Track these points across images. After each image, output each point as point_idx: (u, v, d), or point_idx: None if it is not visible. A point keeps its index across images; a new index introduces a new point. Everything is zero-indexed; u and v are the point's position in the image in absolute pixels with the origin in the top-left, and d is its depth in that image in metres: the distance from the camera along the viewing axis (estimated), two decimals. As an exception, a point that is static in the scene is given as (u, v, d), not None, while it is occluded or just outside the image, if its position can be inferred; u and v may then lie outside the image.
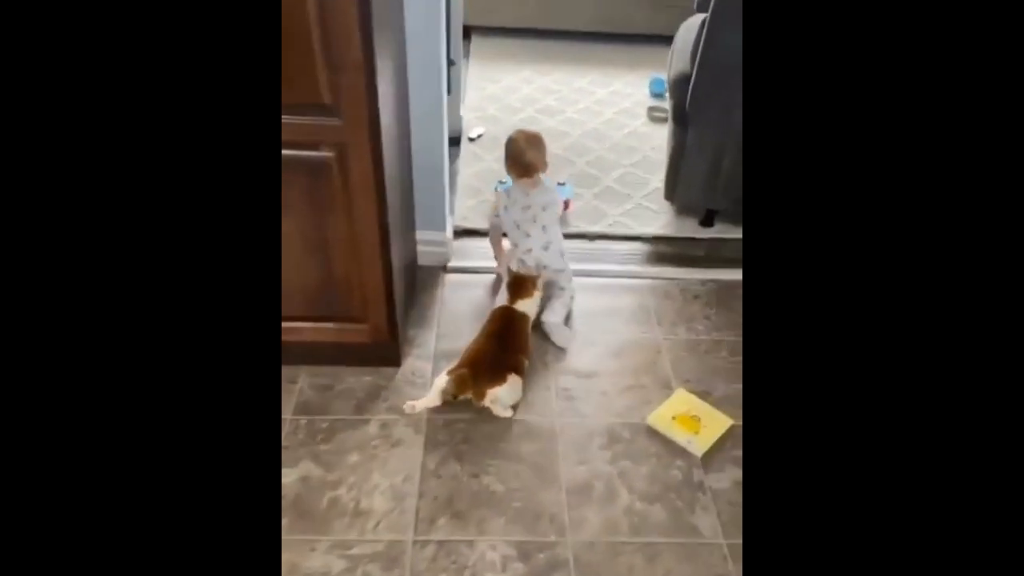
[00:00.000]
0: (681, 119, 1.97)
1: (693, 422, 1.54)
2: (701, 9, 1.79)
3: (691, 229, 2.23)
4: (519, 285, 1.71)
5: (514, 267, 1.79)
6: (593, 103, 3.08)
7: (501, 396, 1.51)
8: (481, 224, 2.19)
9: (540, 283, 1.74)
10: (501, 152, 2.59)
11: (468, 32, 3.71)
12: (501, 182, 2.17)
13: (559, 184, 2.27)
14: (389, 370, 1.64)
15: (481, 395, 1.51)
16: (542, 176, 1.83)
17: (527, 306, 1.69)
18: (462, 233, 2.16)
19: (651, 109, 3.00)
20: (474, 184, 2.42)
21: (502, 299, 1.71)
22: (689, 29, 2.21)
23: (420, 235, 1.95)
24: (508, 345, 1.60)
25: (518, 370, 1.56)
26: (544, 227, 1.81)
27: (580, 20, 3.70)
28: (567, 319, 1.83)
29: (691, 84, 1.88)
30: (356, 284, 1.47)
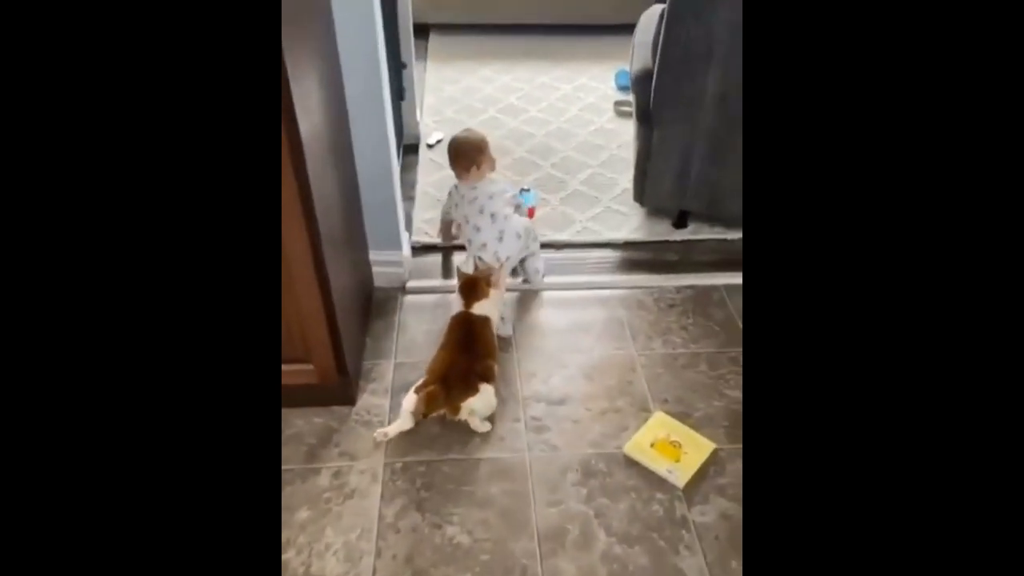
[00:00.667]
0: (646, 118, 1.85)
1: (673, 449, 1.43)
2: (659, 0, 1.67)
3: (663, 231, 2.12)
4: (471, 288, 1.60)
5: (468, 267, 1.68)
6: (557, 100, 2.96)
7: (476, 407, 1.43)
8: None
9: (499, 278, 1.64)
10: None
11: (425, 30, 3.56)
12: (524, 190, 2.14)
13: (523, 190, 2.15)
14: (342, 409, 1.51)
15: (455, 409, 1.42)
16: (490, 174, 1.84)
17: (485, 308, 1.59)
18: (421, 250, 2.03)
19: (617, 104, 2.88)
20: (434, 194, 2.28)
21: (457, 304, 1.61)
22: (650, 18, 2.09)
23: (374, 255, 1.82)
24: (473, 352, 1.50)
25: (488, 376, 1.48)
26: (493, 215, 1.76)
27: (541, 13, 3.56)
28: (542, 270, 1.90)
29: (654, 83, 1.76)
30: (294, 320, 1.33)
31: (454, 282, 1.87)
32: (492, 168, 1.85)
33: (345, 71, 1.49)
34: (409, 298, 1.85)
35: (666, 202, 2.07)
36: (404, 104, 2.44)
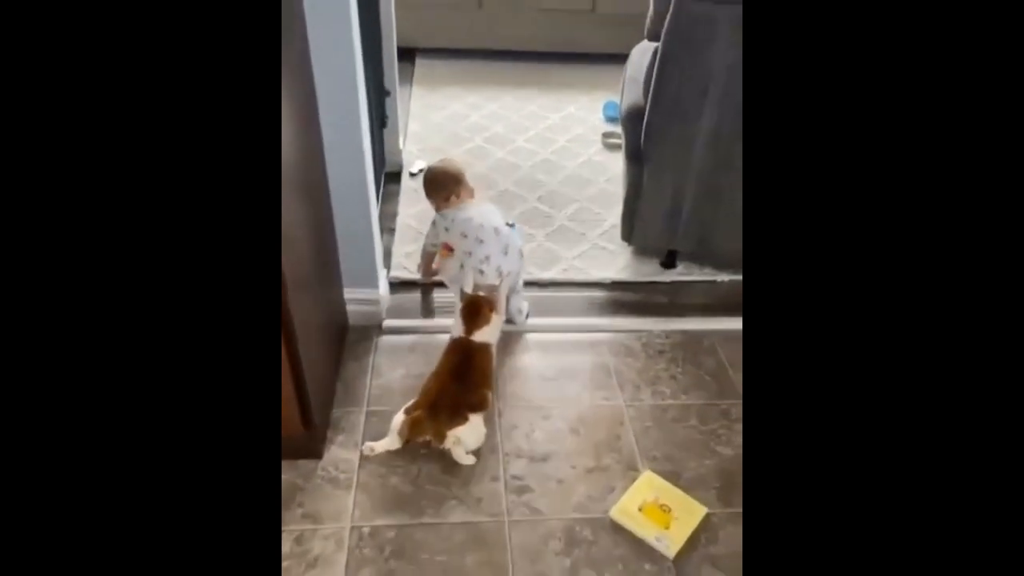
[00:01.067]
0: (636, 157, 1.79)
1: (663, 514, 1.33)
2: (652, 37, 1.61)
3: (652, 271, 2.05)
4: (474, 312, 1.52)
5: (468, 286, 1.58)
6: (545, 130, 2.90)
7: (463, 438, 1.39)
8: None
9: (500, 303, 1.57)
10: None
11: (411, 54, 3.50)
12: (509, 224, 1.82)
13: (508, 225, 2.06)
14: (308, 464, 1.40)
15: (441, 437, 1.38)
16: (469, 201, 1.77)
17: (487, 335, 1.52)
18: (400, 286, 1.93)
19: (605, 135, 2.83)
20: (415, 226, 2.19)
21: (458, 328, 1.53)
22: (642, 53, 2.04)
23: (348, 293, 1.72)
24: (468, 381, 1.45)
25: (481, 406, 1.43)
26: (496, 229, 1.66)
27: (531, 40, 3.52)
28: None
29: (645, 121, 1.69)
30: (257, 372, 1.22)
31: (434, 321, 1.79)
32: (471, 196, 1.78)
33: (321, 99, 1.40)
34: (385, 339, 1.75)
35: (655, 241, 2.00)
36: (387, 131, 2.35)
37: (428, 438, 1.39)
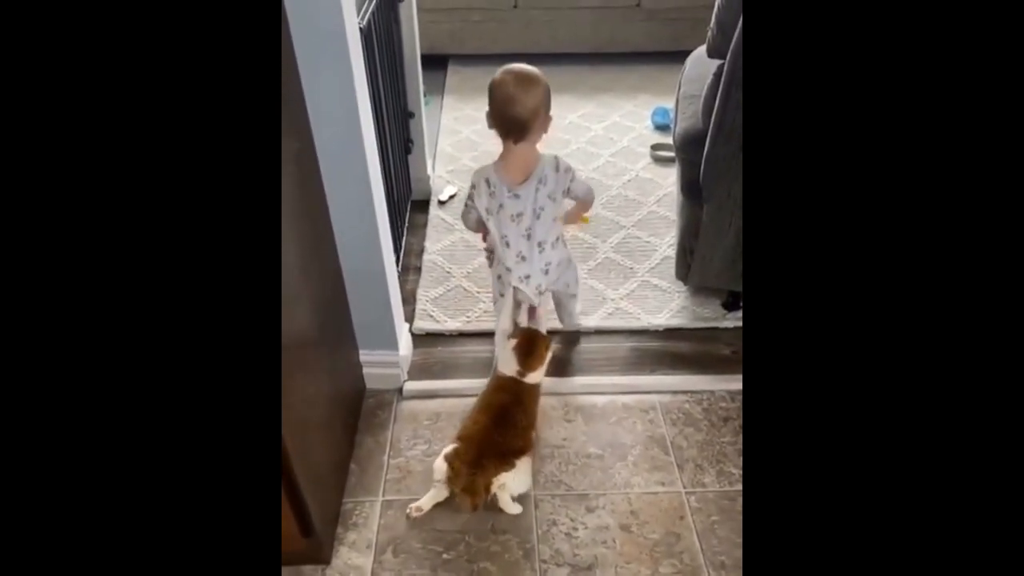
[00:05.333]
0: (694, 192, 1.52)
1: (736, 649, 1.09)
2: (714, 54, 1.34)
3: (712, 314, 1.78)
4: (530, 350, 1.37)
5: (506, 317, 1.44)
6: (587, 143, 2.64)
7: (509, 484, 1.27)
8: (454, 324, 1.75)
9: (552, 343, 1.46)
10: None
11: (444, 62, 3.29)
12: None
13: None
14: (313, 572, 1.21)
15: (484, 491, 1.25)
16: (546, 152, 1.38)
17: (539, 376, 1.39)
18: (425, 338, 1.72)
19: (654, 147, 2.55)
20: (443, 265, 1.98)
21: (509, 366, 1.37)
22: (698, 63, 1.76)
23: (364, 355, 1.52)
24: (515, 425, 1.31)
25: (527, 450, 1.31)
26: (541, 245, 1.41)
27: (571, 41, 3.25)
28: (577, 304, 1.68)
29: (706, 153, 1.42)
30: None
31: (462, 383, 1.57)
32: (546, 130, 1.36)
33: (320, 144, 1.19)
34: (406, 405, 1.54)
35: (716, 283, 1.73)
36: (412, 157, 2.15)
37: (464, 504, 1.25)
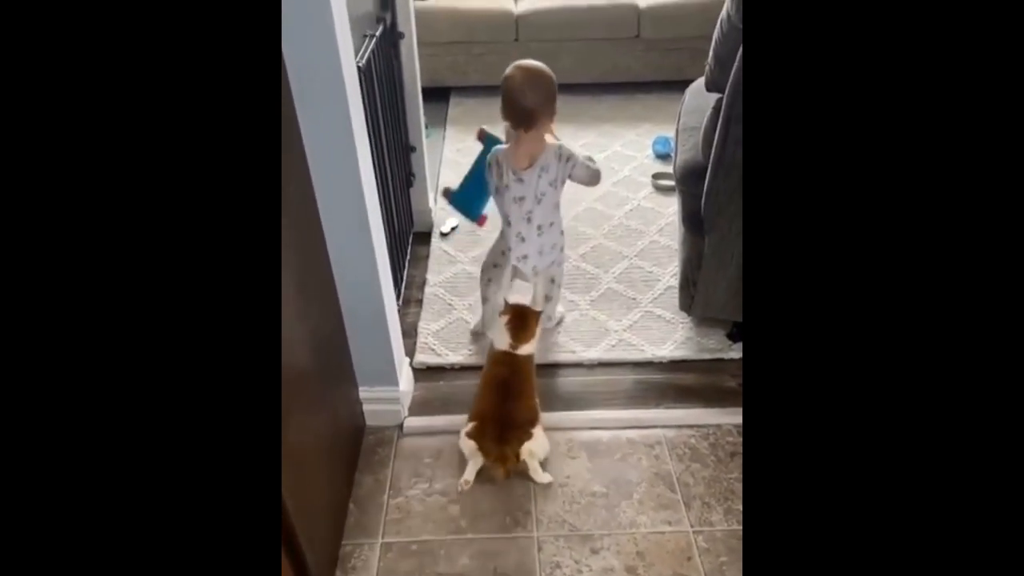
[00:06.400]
0: (695, 225, 1.51)
1: None
2: (713, 88, 1.34)
3: (716, 345, 1.76)
4: (523, 324, 1.49)
5: (506, 290, 1.60)
6: (588, 173, 2.65)
7: (535, 450, 1.39)
8: (455, 357, 1.74)
9: (542, 316, 1.57)
10: (480, 251, 2.19)
11: (446, 93, 3.32)
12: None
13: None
14: (311, 619, 1.17)
15: (513, 458, 1.38)
16: (549, 137, 1.50)
17: (531, 347, 1.51)
18: (427, 372, 1.70)
19: (656, 176, 2.55)
20: (444, 297, 1.97)
21: (502, 341, 1.48)
22: (697, 95, 1.77)
23: (363, 392, 1.50)
24: (518, 395, 1.43)
25: (537, 418, 1.43)
26: (540, 227, 1.55)
27: (572, 71, 3.28)
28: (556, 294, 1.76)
29: (707, 187, 1.42)
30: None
31: (463, 418, 1.55)
32: (552, 120, 1.49)
33: (318, 184, 1.19)
34: (407, 441, 1.52)
35: (719, 314, 1.71)
36: (413, 190, 2.15)
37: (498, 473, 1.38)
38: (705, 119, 1.43)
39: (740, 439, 1.50)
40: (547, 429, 1.47)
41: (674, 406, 1.60)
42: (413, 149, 2.10)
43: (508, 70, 1.44)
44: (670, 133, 2.76)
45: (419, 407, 1.60)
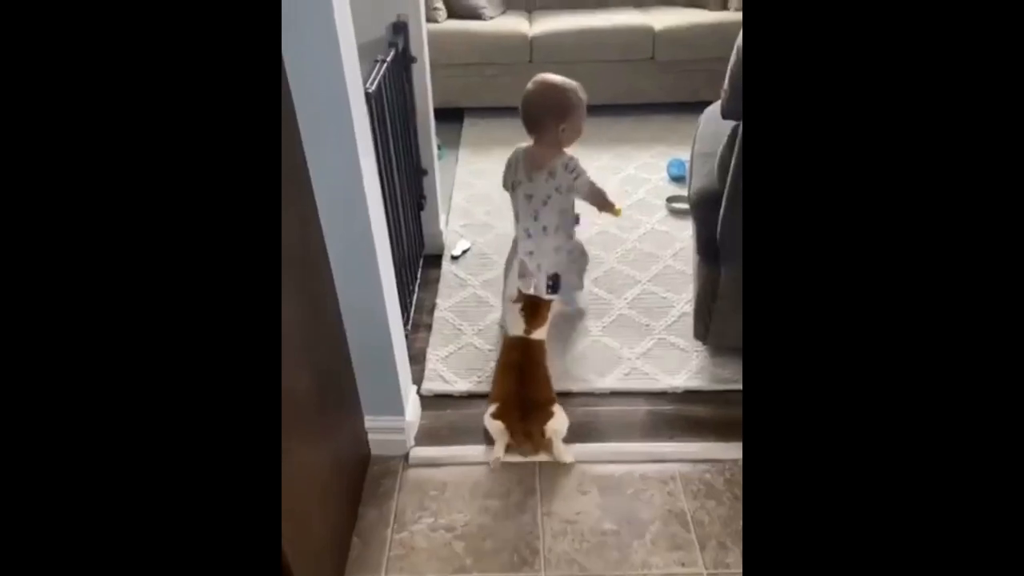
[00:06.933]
0: (711, 255, 1.47)
1: None
2: (729, 116, 1.31)
3: (733, 375, 1.70)
4: (535, 311, 1.59)
5: (511, 284, 1.67)
6: (601, 195, 2.62)
7: (558, 428, 1.47)
8: (464, 385, 1.70)
9: (553, 304, 1.66)
10: (491, 274, 2.17)
11: (459, 114, 3.33)
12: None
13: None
14: (309, 661, 1.13)
15: (539, 436, 1.46)
16: (566, 151, 1.63)
17: (542, 333, 1.60)
18: (435, 399, 1.67)
19: (670, 199, 2.52)
20: (454, 322, 1.94)
21: (515, 327, 1.58)
22: (711, 121, 1.74)
23: (369, 421, 1.47)
24: (534, 378, 1.53)
25: (553, 398, 1.52)
26: (545, 228, 1.64)
27: (586, 93, 3.28)
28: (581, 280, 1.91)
29: (722, 216, 1.38)
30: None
31: (472, 449, 1.51)
32: (577, 136, 1.62)
33: (324, 211, 1.17)
34: (412, 472, 1.48)
35: (736, 342, 1.66)
36: (425, 213, 2.14)
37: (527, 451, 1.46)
38: (721, 146, 1.40)
39: (757, 475, 1.45)
40: (558, 462, 1.43)
41: (689, 439, 1.55)
42: (425, 172, 2.09)
43: (530, 83, 1.62)
44: (685, 155, 2.74)
45: (426, 436, 1.56)
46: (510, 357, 1.57)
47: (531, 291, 1.64)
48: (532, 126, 1.60)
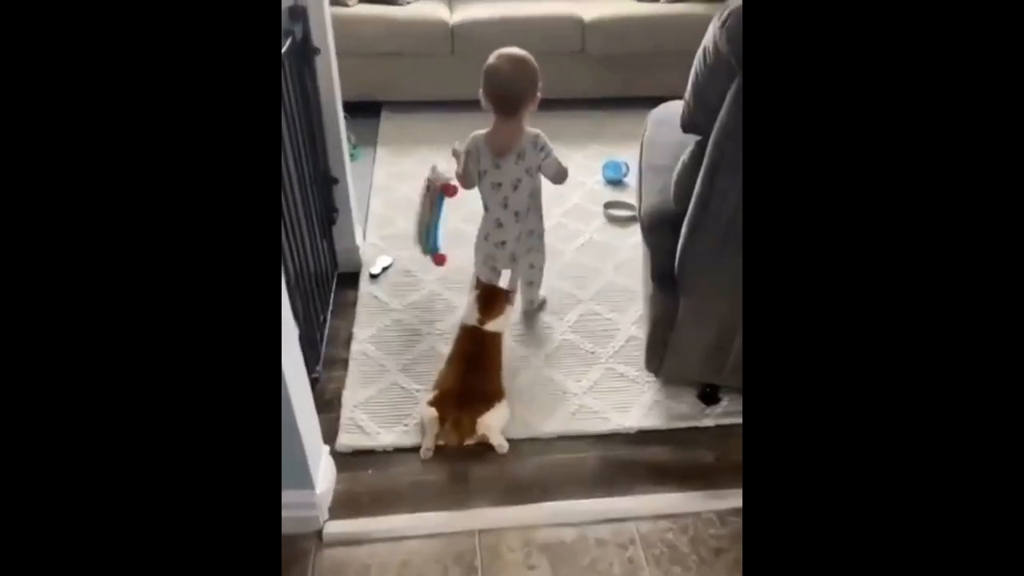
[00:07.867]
0: (667, 283, 1.29)
1: None
2: (692, 129, 1.13)
3: (688, 411, 1.55)
4: (490, 302, 1.53)
5: (481, 267, 1.63)
6: (534, 201, 2.41)
7: (492, 423, 1.42)
8: (388, 437, 1.46)
9: (513, 295, 1.61)
10: (416, 296, 1.93)
11: (376, 108, 3.02)
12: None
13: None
14: None
15: (470, 428, 1.40)
16: (530, 129, 1.54)
17: (500, 325, 1.53)
18: (353, 456, 1.42)
19: (608, 205, 2.35)
20: (375, 356, 1.68)
21: (470, 316, 1.52)
22: (663, 126, 1.56)
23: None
24: (483, 370, 1.47)
25: (500, 395, 1.46)
26: (517, 213, 1.58)
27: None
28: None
29: (683, 242, 1.20)
30: None
31: (400, 520, 1.27)
32: (535, 105, 1.54)
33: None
34: (328, 554, 1.23)
35: (693, 376, 1.51)
36: (337, 227, 1.86)
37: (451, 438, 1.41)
38: (679, 164, 1.21)
39: (724, 531, 1.29)
40: (501, 529, 1.21)
41: (646, 488, 1.38)
42: (335, 181, 1.80)
43: (492, 59, 1.47)
44: (621, 156, 2.57)
45: (343, 506, 1.31)
46: (463, 347, 1.51)
47: (491, 272, 1.60)
48: (512, 106, 1.47)
